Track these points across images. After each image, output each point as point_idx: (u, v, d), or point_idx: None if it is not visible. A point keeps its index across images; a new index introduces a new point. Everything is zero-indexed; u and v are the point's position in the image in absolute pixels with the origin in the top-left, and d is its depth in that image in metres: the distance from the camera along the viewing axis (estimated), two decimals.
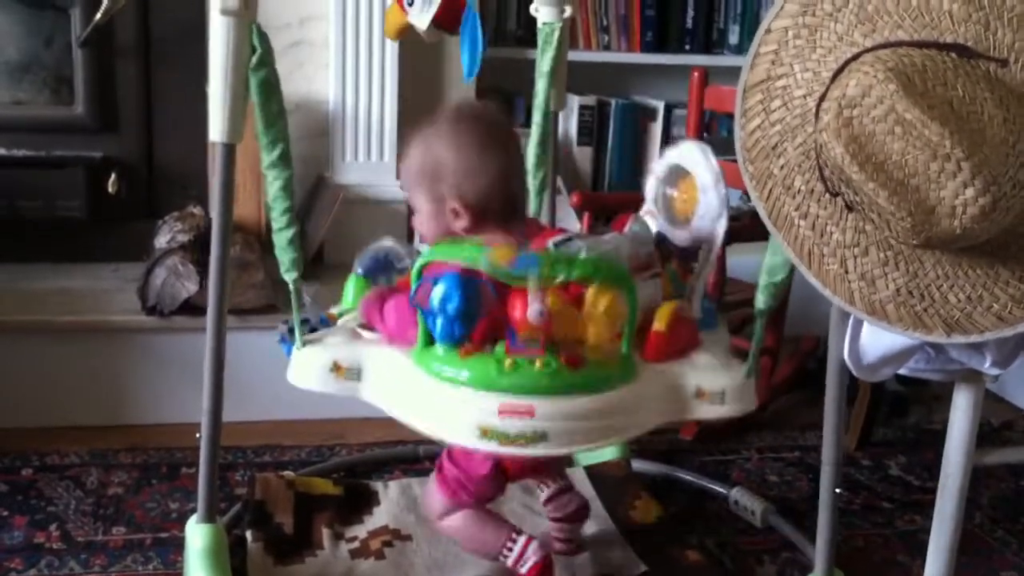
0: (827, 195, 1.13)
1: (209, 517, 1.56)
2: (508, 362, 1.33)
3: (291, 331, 1.49)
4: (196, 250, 2.23)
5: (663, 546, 1.78)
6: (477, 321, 1.34)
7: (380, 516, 1.85)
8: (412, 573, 1.70)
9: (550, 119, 1.98)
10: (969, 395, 1.36)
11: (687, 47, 3.08)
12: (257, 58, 1.38)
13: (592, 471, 1.96)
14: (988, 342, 1.19)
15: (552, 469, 1.74)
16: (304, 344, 1.48)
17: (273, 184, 1.45)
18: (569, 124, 3.01)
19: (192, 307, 2.17)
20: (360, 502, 1.88)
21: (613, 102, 3.04)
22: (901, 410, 2.47)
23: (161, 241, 2.33)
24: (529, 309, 1.31)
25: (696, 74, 2.28)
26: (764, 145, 1.16)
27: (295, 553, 1.73)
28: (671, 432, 2.29)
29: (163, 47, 2.51)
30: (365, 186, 2.55)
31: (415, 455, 2.14)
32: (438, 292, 1.33)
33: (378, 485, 1.94)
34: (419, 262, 1.39)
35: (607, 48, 3.01)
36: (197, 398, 1.52)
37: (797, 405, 2.49)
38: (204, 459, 1.54)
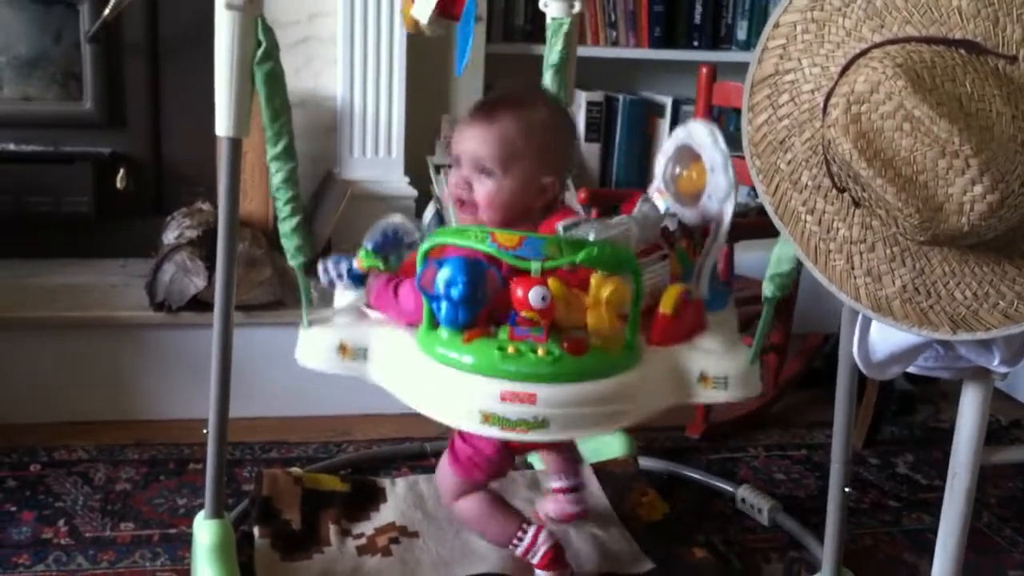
0: (834, 191, 1.12)
1: (216, 513, 1.57)
2: (511, 348, 1.32)
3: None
4: (204, 246, 2.23)
5: (670, 543, 1.78)
6: (482, 307, 1.33)
7: (387, 513, 1.85)
8: (419, 570, 1.70)
9: None
10: (977, 393, 1.35)
11: (695, 43, 3.07)
12: (262, 51, 1.38)
13: (599, 468, 1.96)
14: (996, 340, 1.19)
15: (559, 450, 1.75)
16: (310, 324, 1.47)
17: (276, 175, 1.45)
18: (577, 120, 3.01)
19: (200, 303, 2.17)
20: (367, 499, 1.88)
21: (621, 98, 3.04)
22: (909, 408, 2.46)
23: (169, 237, 2.33)
24: (531, 294, 1.30)
25: (704, 70, 2.27)
26: (771, 140, 1.16)
27: (302, 549, 1.73)
28: (678, 430, 2.29)
29: (171, 43, 2.52)
30: (373, 182, 2.55)
31: (422, 452, 2.13)
32: (443, 276, 1.31)
33: (385, 482, 1.94)
34: (425, 245, 1.38)
35: (615, 44, 3.00)
36: (205, 394, 1.52)
37: (804, 403, 2.49)
38: (211, 455, 1.54)
